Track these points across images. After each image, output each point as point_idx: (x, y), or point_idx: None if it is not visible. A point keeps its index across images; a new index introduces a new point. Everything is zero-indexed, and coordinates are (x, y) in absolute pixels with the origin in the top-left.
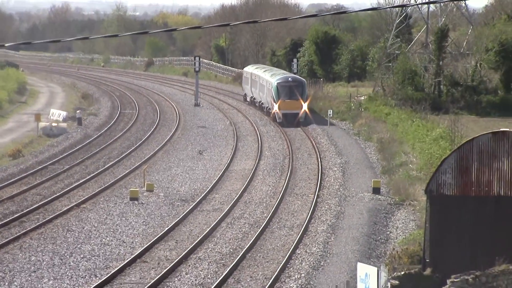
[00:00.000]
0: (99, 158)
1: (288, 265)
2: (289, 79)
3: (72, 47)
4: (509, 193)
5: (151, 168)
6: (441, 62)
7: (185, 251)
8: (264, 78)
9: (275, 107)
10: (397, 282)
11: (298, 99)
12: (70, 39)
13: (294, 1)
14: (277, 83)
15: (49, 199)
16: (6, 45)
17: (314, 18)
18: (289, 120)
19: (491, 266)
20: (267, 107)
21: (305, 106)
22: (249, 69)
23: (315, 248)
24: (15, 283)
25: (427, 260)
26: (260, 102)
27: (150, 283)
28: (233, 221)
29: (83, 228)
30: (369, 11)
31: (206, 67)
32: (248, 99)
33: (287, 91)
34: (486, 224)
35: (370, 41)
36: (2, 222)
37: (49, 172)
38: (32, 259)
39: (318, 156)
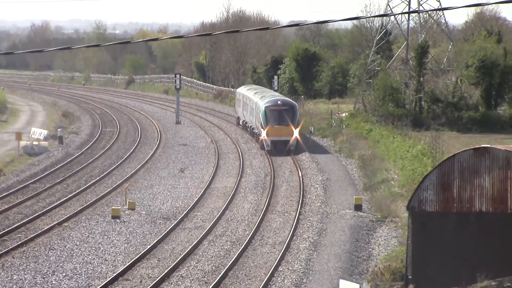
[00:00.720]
0: (81, 176)
1: (270, 283)
2: (279, 102)
3: (52, 66)
4: (490, 209)
5: (133, 186)
6: (421, 78)
7: (167, 269)
8: (253, 100)
9: (263, 134)
10: None
11: (289, 124)
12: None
13: (274, 18)
14: (265, 106)
15: (31, 217)
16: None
17: (294, 36)
18: (279, 148)
19: (473, 282)
20: (257, 133)
21: (296, 133)
22: (241, 90)
23: (297, 265)
24: None
25: (410, 277)
26: (251, 127)
27: None
28: (215, 238)
29: (65, 246)
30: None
31: (186, 85)
32: (240, 122)
33: (276, 115)
34: (468, 241)
35: (351, 57)
36: None
37: (31, 191)
38: (14, 277)
39: (300, 174)
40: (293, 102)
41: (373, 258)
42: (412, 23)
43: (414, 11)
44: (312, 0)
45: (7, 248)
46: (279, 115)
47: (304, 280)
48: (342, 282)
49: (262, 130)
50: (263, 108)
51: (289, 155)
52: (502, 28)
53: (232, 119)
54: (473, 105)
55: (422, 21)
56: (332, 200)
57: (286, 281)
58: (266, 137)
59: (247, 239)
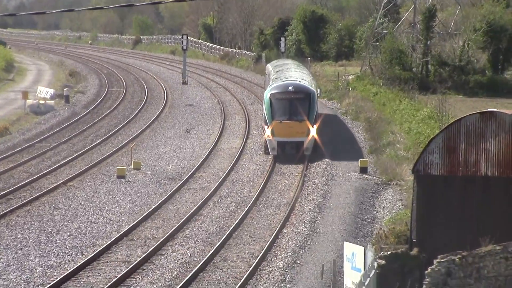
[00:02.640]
0: (87, 136)
1: (275, 244)
2: (290, 88)
3: (59, 25)
4: (496, 173)
5: (138, 146)
6: (428, 42)
7: (172, 229)
8: (269, 83)
9: (267, 132)
10: (383, 261)
11: (303, 119)
12: (55, 11)
13: None
14: (271, 94)
15: (36, 176)
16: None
17: None
18: (289, 152)
19: (478, 246)
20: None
21: (313, 131)
22: (270, 66)
23: (302, 227)
24: (1, 260)
25: (414, 240)
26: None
27: (136, 261)
28: (220, 199)
29: (70, 206)
30: None
31: (193, 46)
32: None
33: (286, 107)
34: (473, 204)
35: (358, 20)
36: None
37: (36, 150)
38: (19, 236)
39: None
40: (311, 88)
41: (377, 221)
42: None
43: None
44: None
45: (12, 206)
46: (290, 106)
47: (309, 242)
48: (347, 245)
49: (265, 127)
50: (268, 96)
51: (303, 162)
52: None
53: (238, 80)
54: (480, 69)
55: None
56: (338, 163)
57: (290, 243)
58: (271, 137)
59: (252, 201)
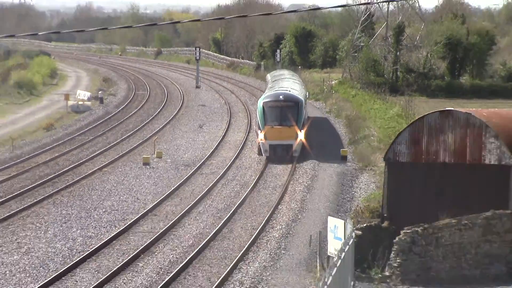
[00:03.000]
0: (117, 130)
1: (271, 218)
2: (281, 97)
3: (94, 39)
4: (452, 160)
5: (160, 139)
6: (398, 53)
7: (188, 206)
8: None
9: (260, 136)
10: (360, 232)
11: (292, 125)
12: (92, 29)
13: (277, 1)
14: (264, 102)
15: (77, 164)
16: (40, 33)
17: (293, 16)
18: (279, 154)
19: (437, 220)
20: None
21: (301, 135)
22: (269, 76)
23: (293, 205)
24: (49, 232)
25: (385, 215)
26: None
27: (159, 232)
28: (227, 182)
29: (105, 187)
30: (339, 9)
31: (205, 56)
32: None
33: (277, 113)
34: (433, 186)
35: (340, 35)
36: (39, 182)
37: (77, 142)
38: (63, 212)
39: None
40: (299, 97)
41: (355, 199)
42: (391, 7)
43: (391, 0)
44: None
45: (57, 188)
46: (280, 113)
47: (299, 217)
48: (330, 218)
49: (259, 131)
50: (261, 104)
51: (291, 162)
52: (466, 11)
53: (242, 84)
54: (440, 75)
55: (399, 5)
56: (323, 152)
57: (284, 217)
58: (263, 140)
59: (253, 183)
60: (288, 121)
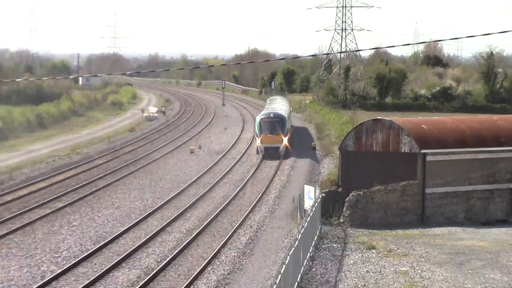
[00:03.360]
0: (174, 132)
1: (269, 186)
2: (271, 115)
3: (159, 76)
4: (381, 150)
5: (200, 137)
6: (346, 83)
7: (217, 179)
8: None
9: (258, 141)
10: (324, 194)
11: (279, 133)
12: (159, 70)
13: (273, 52)
14: (260, 118)
15: (149, 152)
16: (127, 72)
17: (282, 61)
18: (270, 153)
19: (372, 187)
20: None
21: (285, 141)
22: (268, 100)
23: (283, 177)
24: (131, 195)
25: (340, 184)
26: None
27: (200, 194)
28: (241, 163)
29: (166, 166)
30: (311, 57)
31: (228, 85)
32: None
33: (269, 126)
34: (370, 166)
35: (311, 72)
36: (125, 164)
37: (148, 139)
38: (140, 182)
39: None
40: (284, 115)
41: (321, 174)
42: (342, 55)
43: (342, 52)
44: (292, 43)
45: (137, 167)
46: (271, 126)
47: (287, 185)
48: (306, 186)
49: (257, 138)
50: (258, 120)
51: (279, 159)
52: (388, 57)
53: (250, 103)
54: (373, 97)
55: (347, 54)
56: (301, 144)
57: (277, 185)
58: (260, 144)
59: (257, 165)
60: (276, 131)
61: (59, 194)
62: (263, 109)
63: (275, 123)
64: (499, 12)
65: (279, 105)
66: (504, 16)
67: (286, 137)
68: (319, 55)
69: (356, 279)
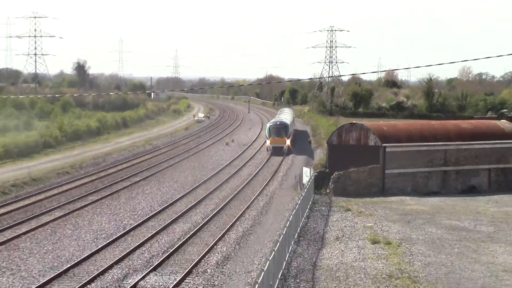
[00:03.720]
0: (215, 130)
1: (278, 168)
2: (278, 122)
3: (206, 92)
4: (355, 143)
5: (232, 134)
6: (332, 98)
7: (244, 162)
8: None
9: (268, 142)
10: (316, 173)
11: (283, 136)
12: (206, 87)
13: (282, 77)
14: (269, 125)
15: (198, 144)
16: (184, 89)
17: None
18: (277, 151)
19: (349, 169)
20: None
21: (288, 142)
22: (278, 111)
23: (288, 163)
24: (185, 172)
25: (327, 167)
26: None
27: (232, 173)
28: (260, 152)
29: (209, 153)
30: (308, 80)
31: (252, 99)
32: None
33: (276, 131)
34: (347, 155)
35: (308, 90)
36: (182, 152)
37: (198, 135)
38: (192, 165)
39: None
40: (287, 122)
41: (315, 159)
42: (330, 79)
43: (330, 76)
44: (296, 70)
45: (190, 154)
46: (277, 130)
47: (290, 168)
48: (304, 168)
49: (267, 139)
50: (268, 126)
51: (282, 156)
52: (361, 81)
53: (267, 111)
54: (350, 108)
55: (333, 79)
56: (301, 140)
57: (284, 168)
58: (269, 144)
59: (271, 153)
60: (281, 135)
61: (136, 172)
62: (275, 116)
63: (280, 129)
64: (437, 50)
65: (285, 115)
66: (441, 52)
67: (289, 139)
68: (314, 79)
69: (337, 231)
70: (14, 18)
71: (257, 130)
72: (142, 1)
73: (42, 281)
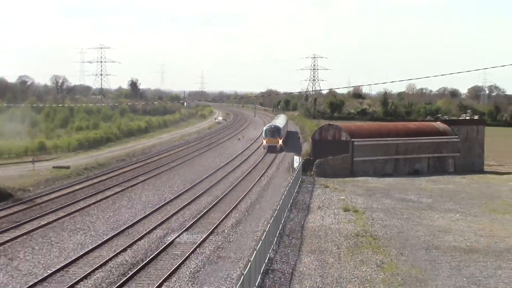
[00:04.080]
0: (231, 129)
1: (275, 158)
2: (272, 126)
3: (224, 101)
4: (331, 139)
5: (242, 132)
6: (315, 106)
7: (251, 152)
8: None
9: (264, 142)
10: (303, 160)
11: (276, 137)
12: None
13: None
14: (265, 128)
15: (218, 139)
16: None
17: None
18: (271, 149)
19: (327, 157)
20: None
21: (280, 142)
22: (275, 116)
23: (283, 154)
24: (209, 160)
25: (311, 155)
26: None
27: (243, 160)
28: (262, 147)
29: (226, 146)
30: (297, 92)
31: (257, 107)
32: None
33: (270, 132)
34: (326, 147)
35: (298, 101)
36: (205, 146)
37: (217, 133)
38: (212, 155)
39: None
40: (280, 126)
41: (302, 150)
42: (313, 92)
43: (313, 90)
44: (289, 86)
45: (210, 148)
46: (271, 132)
47: (284, 157)
48: (294, 156)
49: (263, 139)
50: (264, 129)
51: (276, 153)
52: (336, 93)
53: (268, 116)
54: (328, 113)
55: (316, 92)
56: (293, 136)
57: (281, 155)
58: (265, 143)
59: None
60: (275, 136)
61: (173, 159)
62: (272, 120)
63: (274, 131)
64: (390, 71)
65: (279, 120)
66: (393, 72)
67: (281, 140)
68: (302, 92)
69: (318, 202)
70: (86, 49)
71: (260, 129)
72: (179, 36)
73: (106, 238)
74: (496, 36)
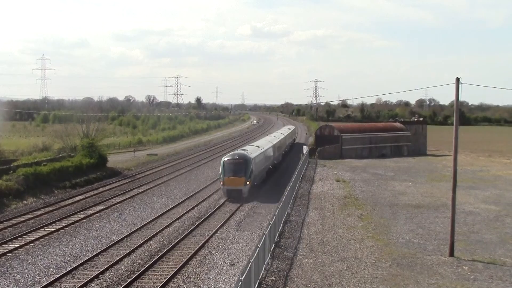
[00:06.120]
0: (261, 129)
1: (292, 147)
2: (236, 156)
3: (257, 110)
4: (328, 134)
5: (269, 130)
6: (317, 113)
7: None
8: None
9: (221, 183)
10: (310, 148)
11: (242, 175)
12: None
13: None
14: (224, 160)
15: (253, 136)
16: (247, 110)
17: (296, 105)
18: (234, 196)
19: (325, 146)
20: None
21: (247, 183)
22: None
23: (296, 145)
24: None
25: (315, 145)
26: None
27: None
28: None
29: (252, 136)
30: (305, 103)
31: (279, 114)
32: None
33: (232, 167)
34: (324, 140)
35: (306, 110)
36: (244, 139)
37: (253, 131)
38: (251, 143)
39: (297, 127)
40: (248, 155)
41: (308, 142)
42: (315, 104)
43: (316, 102)
44: (299, 99)
45: (246, 143)
46: (234, 167)
47: (296, 146)
48: (303, 146)
49: (220, 180)
50: (223, 161)
51: (240, 202)
52: (330, 104)
53: (286, 120)
54: (325, 117)
55: (317, 103)
56: (301, 132)
57: (295, 147)
58: (223, 186)
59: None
60: (239, 173)
61: (223, 150)
62: (282, 127)
63: (238, 164)
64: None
65: (273, 135)
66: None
67: (250, 179)
68: (308, 104)
69: (320, 176)
70: (168, 78)
71: (280, 127)
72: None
73: (180, 200)
74: (432, 66)
